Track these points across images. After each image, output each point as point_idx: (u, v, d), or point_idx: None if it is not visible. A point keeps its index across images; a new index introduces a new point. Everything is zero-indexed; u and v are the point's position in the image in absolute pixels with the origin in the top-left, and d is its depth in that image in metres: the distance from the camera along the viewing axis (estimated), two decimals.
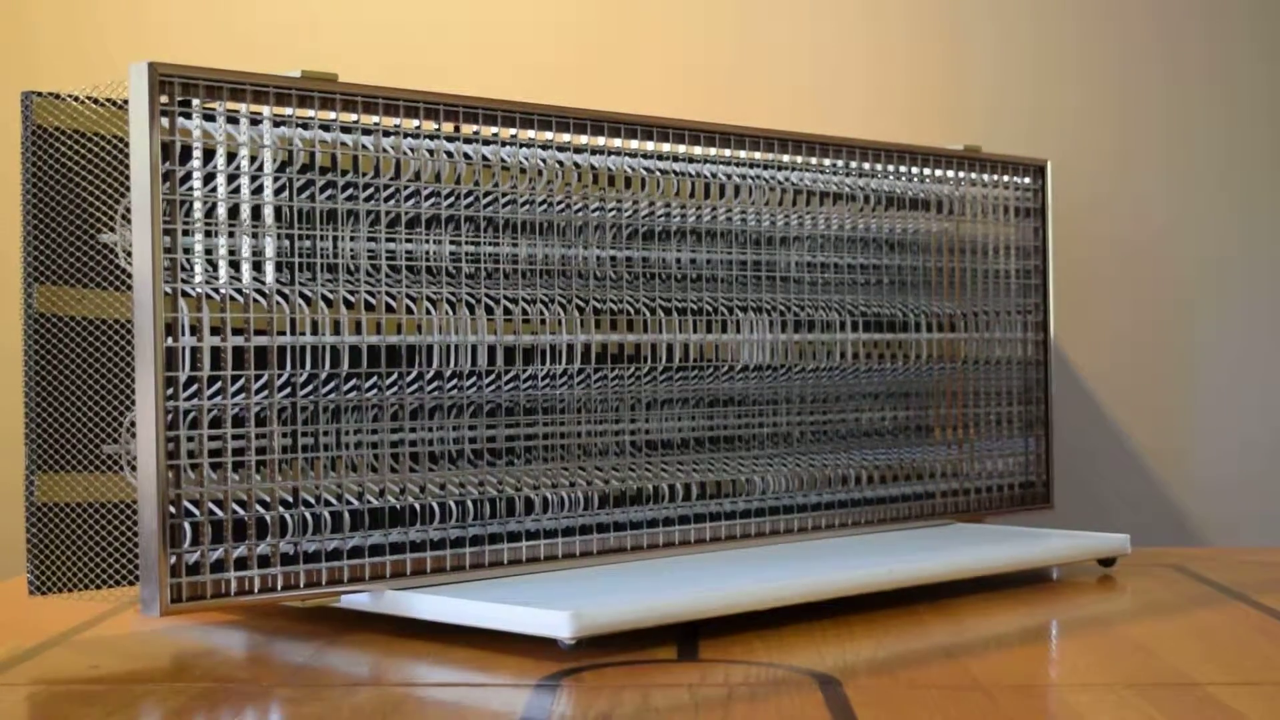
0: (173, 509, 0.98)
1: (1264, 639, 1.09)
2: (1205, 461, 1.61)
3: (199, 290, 0.99)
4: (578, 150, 1.18)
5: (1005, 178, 1.47)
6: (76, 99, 1.04)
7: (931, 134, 1.53)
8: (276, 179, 1.04)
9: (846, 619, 1.13)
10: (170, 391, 0.98)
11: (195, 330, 0.99)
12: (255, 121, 1.03)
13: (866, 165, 1.35)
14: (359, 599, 1.06)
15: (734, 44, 1.58)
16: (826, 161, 1.33)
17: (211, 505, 0.99)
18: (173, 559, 0.97)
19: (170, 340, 0.98)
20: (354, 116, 1.07)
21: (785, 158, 1.30)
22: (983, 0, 1.60)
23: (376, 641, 1.06)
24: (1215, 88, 1.62)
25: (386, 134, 1.09)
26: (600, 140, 1.19)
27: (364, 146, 1.08)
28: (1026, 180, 1.48)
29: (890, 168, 1.38)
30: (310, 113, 1.05)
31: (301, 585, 1.03)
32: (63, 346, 1.04)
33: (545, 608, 1.00)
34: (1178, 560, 1.44)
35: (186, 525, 0.98)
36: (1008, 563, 1.27)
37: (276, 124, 1.04)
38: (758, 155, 1.29)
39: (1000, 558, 1.27)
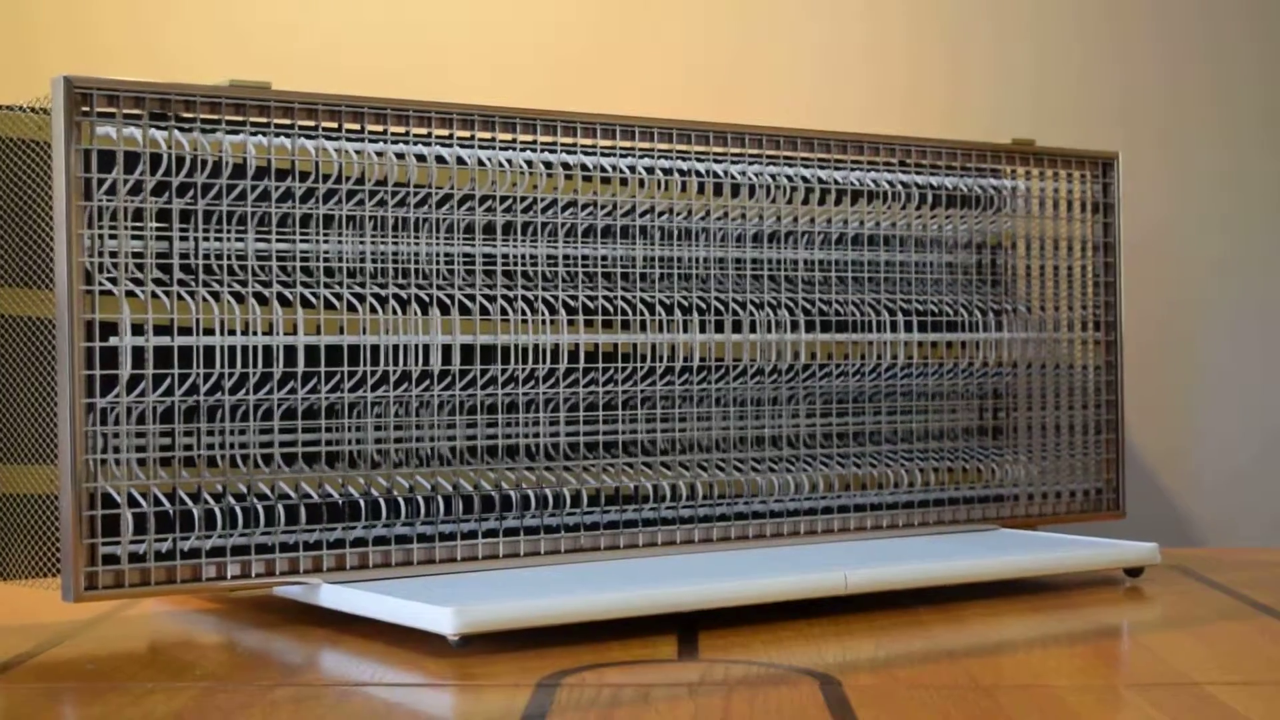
0: (122, 498, 1.01)
1: (1265, 639, 1.09)
2: (1205, 461, 1.61)
3: (119, 290, 1.02)
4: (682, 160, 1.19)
5: (1060, 171, 1.42)
6: (19, 109, 1.06)
7: (932, 132, 1.53)
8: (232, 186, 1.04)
9: (846, 619, 1.13)
10: (127, 387, 1.02)
11: (114, 330, 1.02)
12: (185, 129, 1.05)
13: (911, 161, 1.35)
14: (292, 590, 1.09)
15: (734, 44, 1.58)
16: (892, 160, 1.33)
17: (133, 496, 1.03)
18: (89, 547, 1.01)
19: (128, 339, 1.00)
20: (288, 121, 1.09)
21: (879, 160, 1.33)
22: (981, 0, 1.60)
23: (376, 643, 1.06)
24: (1215, 88, 1.61)
25: (418, 142, 1.11)
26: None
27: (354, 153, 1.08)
28: (1079, 174, 1.44)
29: (954, 163, 1.36)
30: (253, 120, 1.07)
31: (229, 576, 1.06)
32: (20, 345, 1.06)
33: (433, 604, 1.01)
34: (1178, 561, 1.43)
35: (129, 515, 1.02)
36: (1007, 570, 1.22)
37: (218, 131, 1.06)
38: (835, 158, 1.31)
39: (1009, 565, 1.23)
